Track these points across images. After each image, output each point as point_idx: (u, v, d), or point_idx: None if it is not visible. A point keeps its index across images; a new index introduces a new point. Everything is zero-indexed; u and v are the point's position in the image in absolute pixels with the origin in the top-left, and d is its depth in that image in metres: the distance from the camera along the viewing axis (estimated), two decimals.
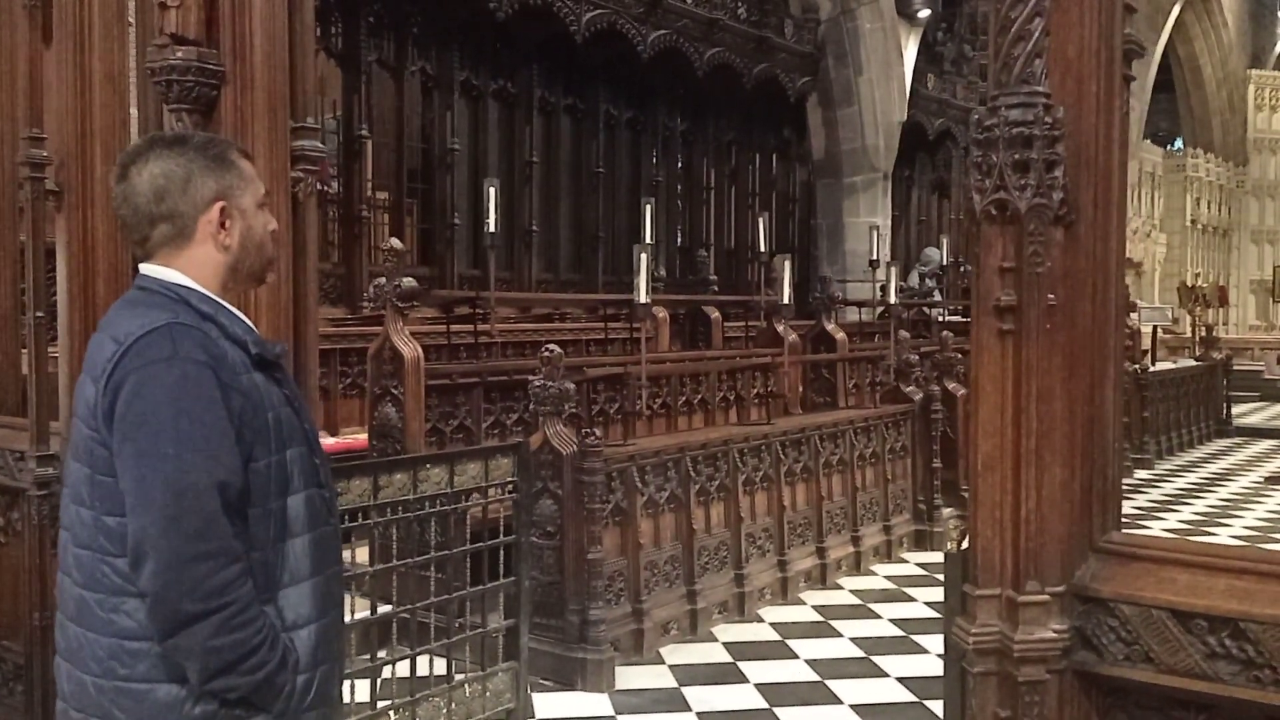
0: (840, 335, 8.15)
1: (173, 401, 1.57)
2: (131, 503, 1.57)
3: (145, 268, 1.75)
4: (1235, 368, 14.32)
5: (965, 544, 1.98)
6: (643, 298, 5.41)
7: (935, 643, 4.44)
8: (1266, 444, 12.29)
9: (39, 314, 3.42)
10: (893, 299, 7.99)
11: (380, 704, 3.48)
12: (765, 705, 4.31)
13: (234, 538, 1.59)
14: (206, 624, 1.55)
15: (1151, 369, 11.46)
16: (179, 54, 2.64)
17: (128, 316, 1.66)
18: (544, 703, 4.28)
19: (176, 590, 1.55)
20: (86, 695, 1.64)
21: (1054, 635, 1.82)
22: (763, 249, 8.63)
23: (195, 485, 1.56)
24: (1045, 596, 1.82)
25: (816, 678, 4.63)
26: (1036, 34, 1.75)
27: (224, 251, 1.74)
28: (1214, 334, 14.64)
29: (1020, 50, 1.75)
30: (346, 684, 3.38)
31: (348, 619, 3.35)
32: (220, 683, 1.58)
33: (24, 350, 3.59)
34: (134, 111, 3.20)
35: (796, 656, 4.90)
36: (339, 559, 1.81)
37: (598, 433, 4.77)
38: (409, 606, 3.62)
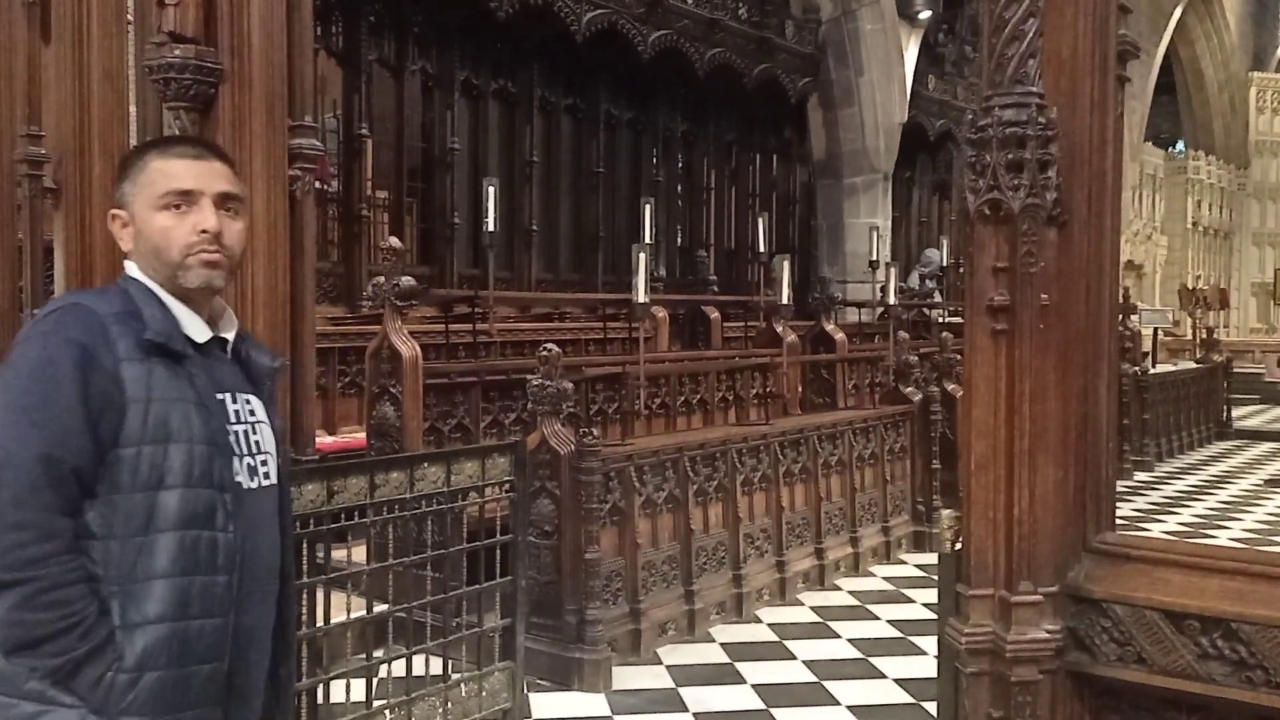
0: (840, 336, 8.16)
1: (28, 374, 1.62)
2: None
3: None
4: (1236, 370, 14.31)
5: (959, 544, 1.97)
6: (641, 297, 5.41)
7: (933, 644, 4.43)
8: (1266, 447, 12.28)
9: (36, 311, 3.42)
10: (892, 300, 7.99)
11: (376, 703, 3.47)
12: (763, 706, 4.31)
13: (59, 514, 1.58)
14: (8, 594, 1.56)
15: (1152, 371, 11.45)
16: (177, 52, 2.64)
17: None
18: (540, 703, 4.28)
19: None
20: None
21: (1047, 636, 1.82)
22: (763, 249, 8.63)
23: (18, 455, 1.57)
24: (1038, 597, 1.82)
25: (814, 679, 4.63)
26: (1030, 34, 1.75)
27: (131, 253, 1.77)
28: (1215, 336, 14.62)
29: (1014, 50, 1.75)
30: (342, 683, 3.40)
31: (343, 618, 3.37)
32: (22, 658, 1.58)
33: None
34: (132, 109, 3.21)
35: (794, 657, 4.90)
36: (233, 568, 1.69)
37: (596, 432, 4.77)
38: (405, 605, 3.61)
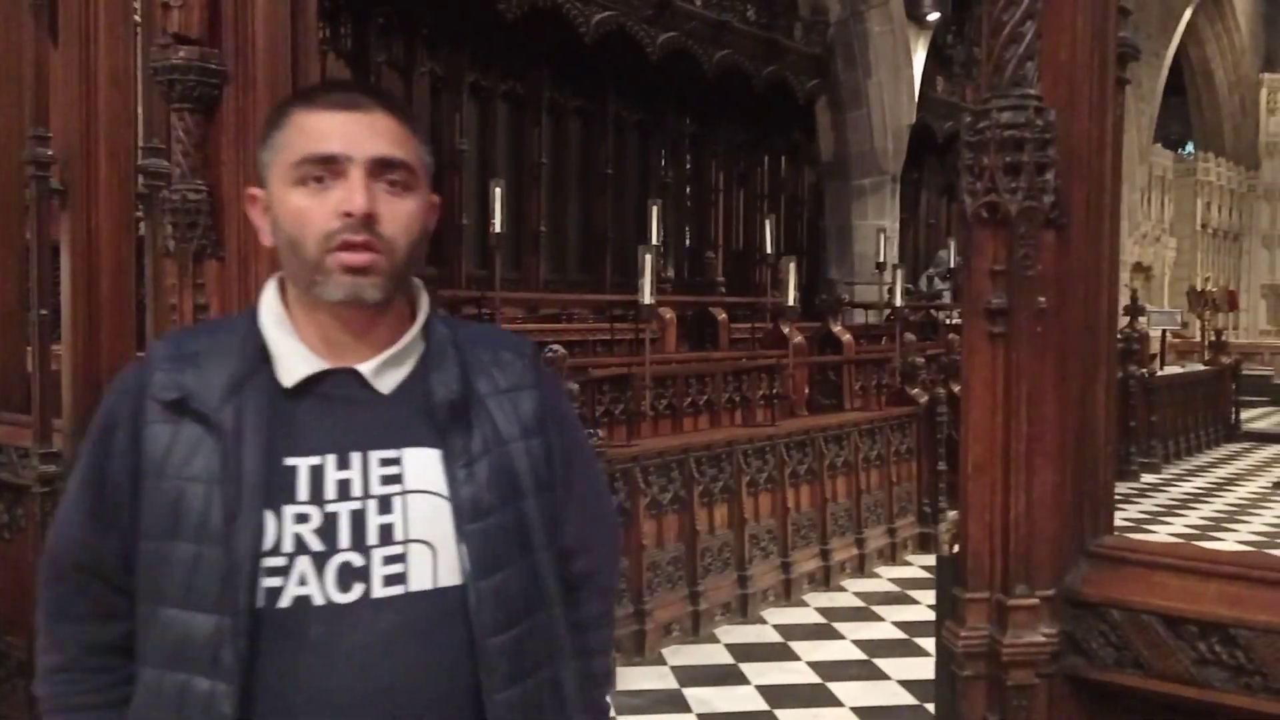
0: (846, 337, 8.16)
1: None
2: None
3: None
4: (1245, 372, 14.26)
5: (957, 547, 1.97)
6: (647, 299, 5.41)
7: None
8: (1275, 449, 12.22)
9: (43, 311, 3.43)
10: (899, 301, 7.98)
11: None
12: (766, 707, 4.31)
13: (62, 620, 1.25)
14: None
15: (1160, 373, 11.42)
16: (181, 54, 2.64)
17: None
18: None
19: None
20: None
21: (1043, 639, 1.81)
22: (770, 251, 8.64)
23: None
24: (1035, 600, 1.81)
25: (818, 680, 4.63)
26: (1028, 36, 1.74)
27: (276, 250, 1.27)
28: (1224, 338, 14.57)
29: (1012, 53, 1.74)
30: None
31: None
32: None
33: (28, 348, 3.61)
34: (139, 110, 3.22)
35: (799, 659, 4.90)
36: None
37: (602, 433, 4.78)
38: None
